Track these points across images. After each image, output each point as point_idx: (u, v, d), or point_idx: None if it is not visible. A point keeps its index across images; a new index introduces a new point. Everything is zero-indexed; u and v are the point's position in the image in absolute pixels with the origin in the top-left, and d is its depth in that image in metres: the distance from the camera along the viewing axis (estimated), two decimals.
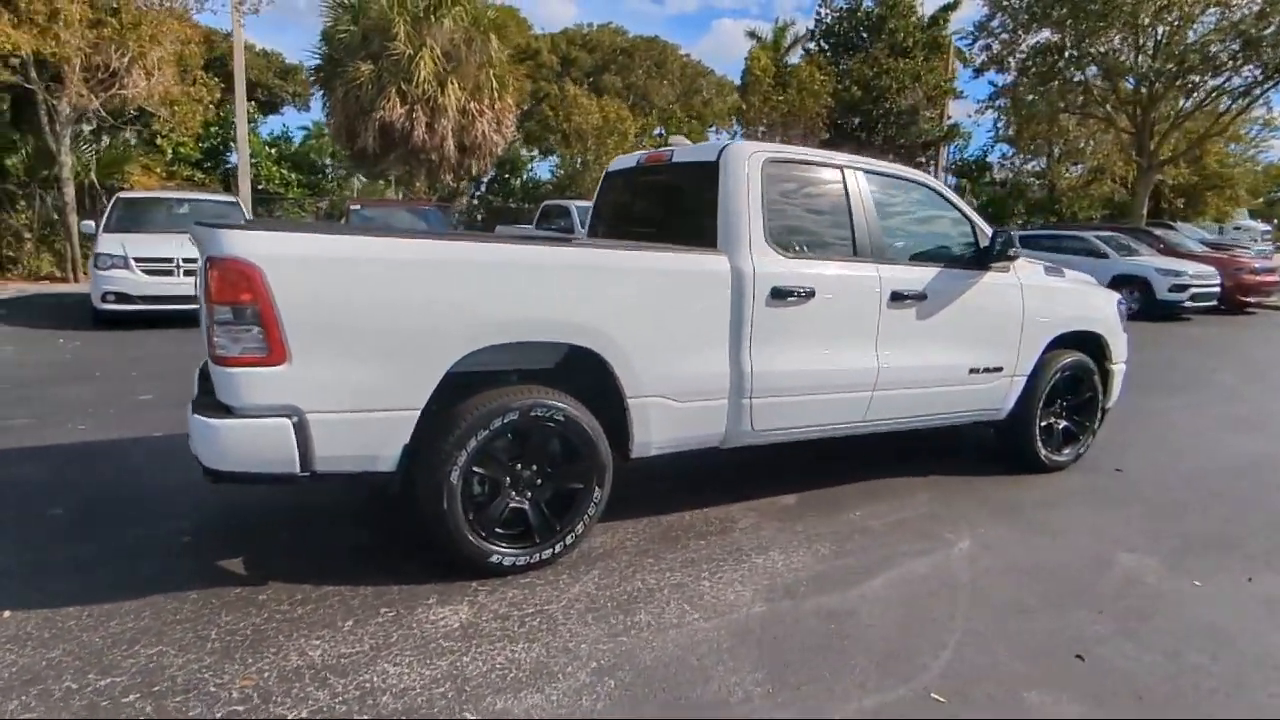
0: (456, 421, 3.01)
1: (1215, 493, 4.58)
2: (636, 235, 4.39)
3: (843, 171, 3.95)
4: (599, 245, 3.59)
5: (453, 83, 18.57)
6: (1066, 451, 4.86)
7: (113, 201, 10.96)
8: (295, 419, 2.72)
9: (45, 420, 5.35)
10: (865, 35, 24.02)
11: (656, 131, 29.79)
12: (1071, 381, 4.79)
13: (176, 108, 16.67)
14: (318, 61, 19.98)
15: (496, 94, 19.53)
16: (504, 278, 3.01)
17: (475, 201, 22.53)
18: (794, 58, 25.74)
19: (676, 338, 3.42)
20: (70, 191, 15.16)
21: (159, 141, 18.48)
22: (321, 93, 20.48)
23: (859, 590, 3.19)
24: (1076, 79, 20.31)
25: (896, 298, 3.96)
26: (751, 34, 26.86)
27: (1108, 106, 20.87)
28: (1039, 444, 4.69)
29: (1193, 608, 3.14)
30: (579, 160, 21.60)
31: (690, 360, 3.45)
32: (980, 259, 4.26)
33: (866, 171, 4.07)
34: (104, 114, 15.36)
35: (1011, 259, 4.23)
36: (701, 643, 2.75)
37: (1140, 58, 19.39)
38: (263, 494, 3.96)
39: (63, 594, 2.92)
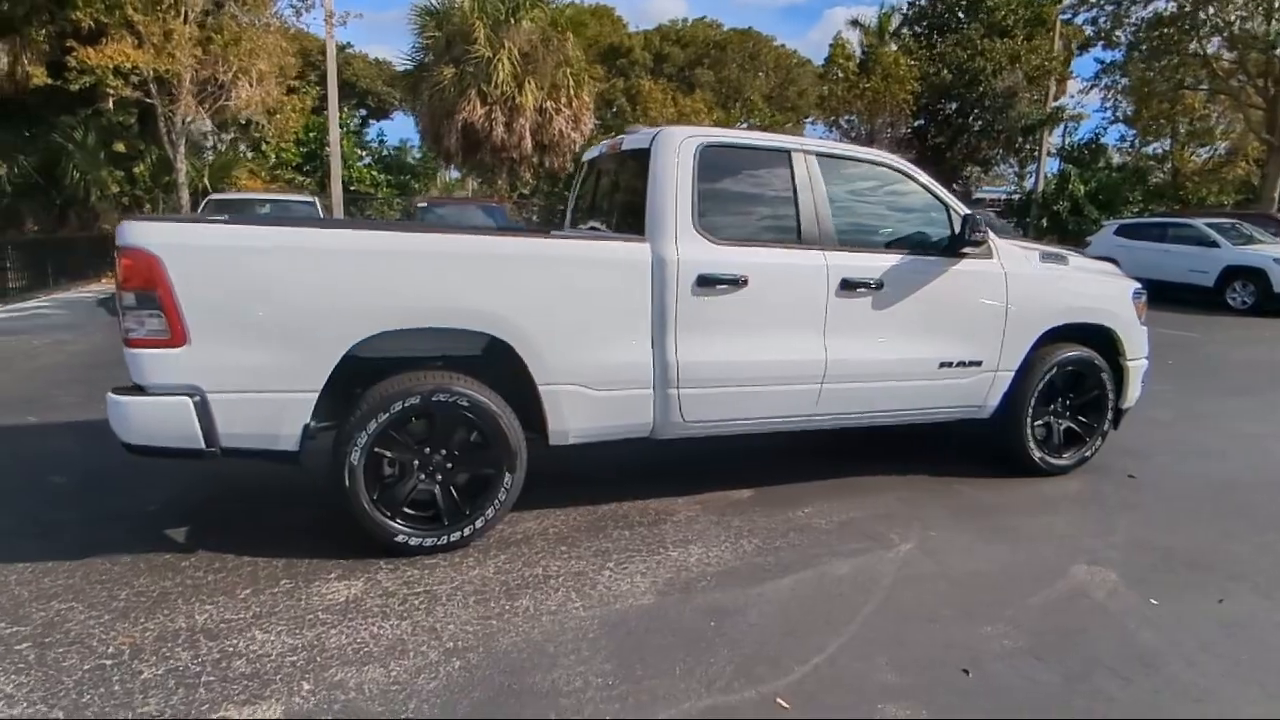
0: (359, 404, 3.13)
1: (1232, 505, 4.08)
2: (600, 223, 4.39)
3: (790, 155, 3.78)
4: (504, 234, 3.61)
5: (530, 82, 19.03)
6: (1068, 454, 4.45)
7: (204, 203, 11.95)
8: (197, 398, 2.90)
9: (93, 399, 5.91)
10: (961, 16, 22.74)
11: (742, 123, 29.32)
12: (1073, 378, 4.39)
13: (277, 115, 18.00)
14: (409, 67, 20.98)
15: (573, 92, 19.86)
16: (397, 266, 3.08)
17: (553, 198, 23.06)
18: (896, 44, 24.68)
19: (591, 326, 3.39)
20: (185, 195, 16.64)
21: (264, 147, 19.95)
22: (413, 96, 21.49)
23: (762, 589, 3.06)
24: (1197, 52, 18.39)
25: (847, 286, 3.75)
26: (854, 22, 25.96)
27: (1233, 81, 18.80)
28: (1031, 445, 4.32)
29: (1132, 628, 2.82)
30: None
31: (608, 349, 3.42)
32: (952, 245, 3.97)
33: (821, 155, 3.87)
34: (210, 124, 16.77)
35: (976, 244, 3.91)
36: (568, 631, 2.73)
37: (1273, 23, 17.34)
38: (246, 470, 4.20)
39: (20, 551, 3.24)
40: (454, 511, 3.30)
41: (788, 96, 39.49)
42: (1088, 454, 4.50)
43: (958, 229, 3.97)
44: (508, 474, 3.34)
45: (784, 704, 2.34)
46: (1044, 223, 22.26)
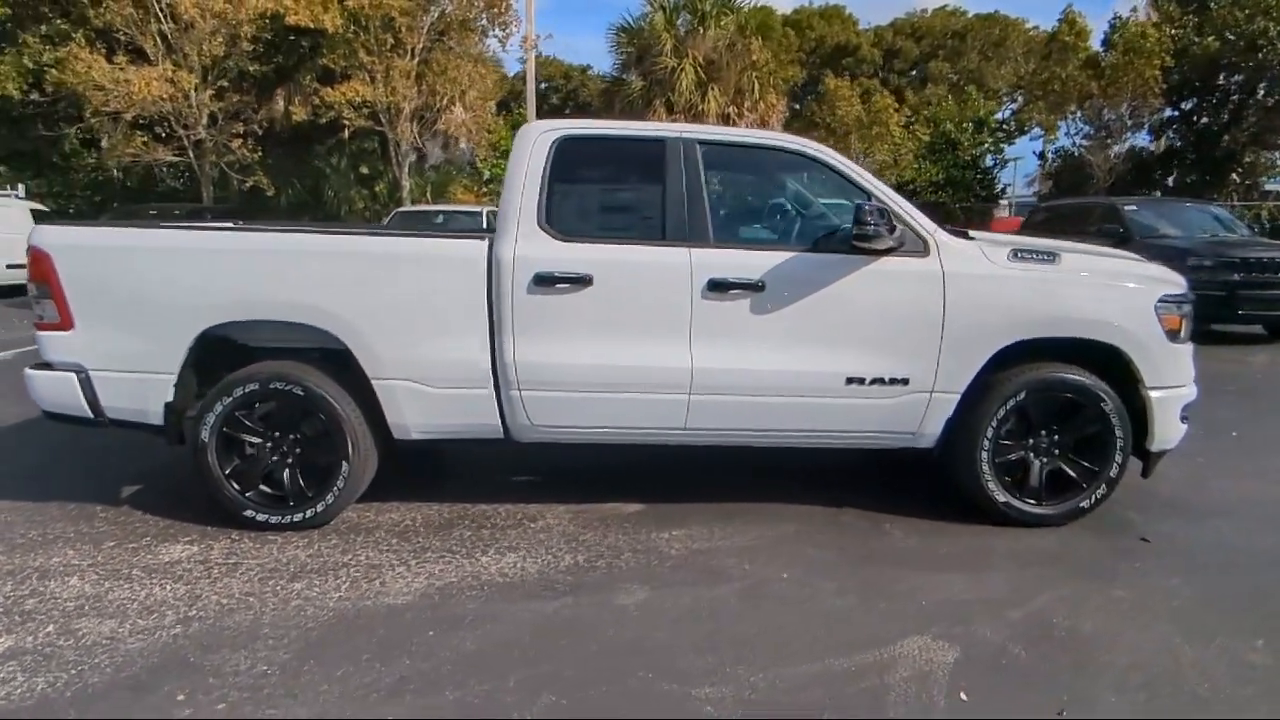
0: (211, 388, 3.46)
1: (1253, 598, 2.96)
2: None
3: (665, 145, 3.46)
4: (336, 231, 3.72)
5: (713, 89, 19.08)
6: (1051, 502, 3.53)
7: (392, 215, 13.66)
8: (81, 374, 3.42)
9: None
10: None
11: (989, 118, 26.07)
12: (1063, 408, 3.48)
13: (488, 134, 20.01)
14: (606, 84, 22.13)
15: (759, 96, 19.54)
16: (232, 262, 3.36)
17: None
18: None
19: (424, 323, 3.40)
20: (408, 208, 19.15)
21: (478, 164, 22.26)
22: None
23: (524, 608, 2.86)
24: None
25: (717, 287, 3.35)
26: None
27: None
28: (990, 486, 3.48)
29: None
30: None
31: (441, 346, 3.41)
32: (850, 241, 3.35)
33: (708, 143, 3.49)
34: (435, 146, 19.13)
35: (866, 240, 3.23)
36: (297, 618, 2.78)
37: None
38: None
39: (13, 490, 4.01)
40: (299, 494, 3.50)
41: (1040, 83, 35.03)
42: (1084, 504, 3.52)
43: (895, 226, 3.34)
44: (344, 463, 3.47)
45: None
46: None
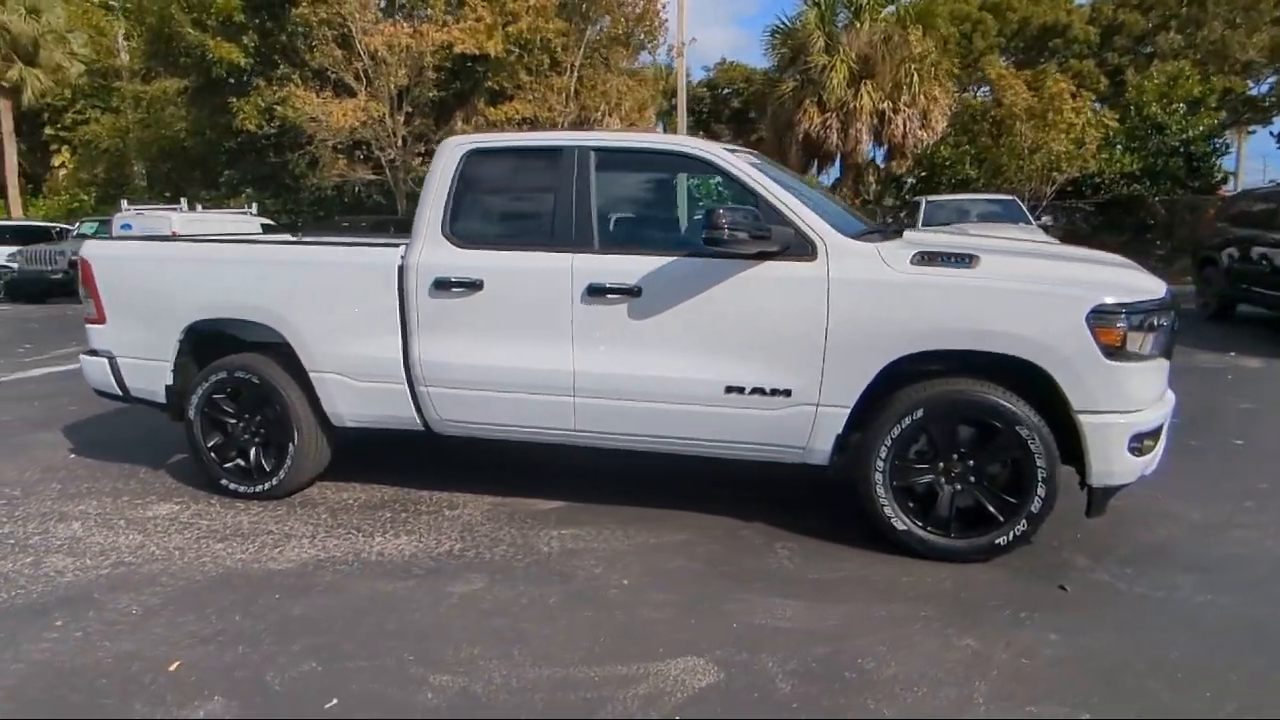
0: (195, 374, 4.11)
1: (1124, 663, 2.45)
2: None
3: (560, 153, 3.55)
4: (279, 241, 4.16)
5: (866, 85, 18.19)
6: (964, 535, 3.14)
7: None
8: (111, 360, 4.21)
9: None
10: None
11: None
12: (974, 430, 3.10)
13: None
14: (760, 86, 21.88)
15: (918, 89, 18.30)
16: (205, 269, 3.97)
17: (897, 203, 21.37)
18: None
19: (346, 322, 3.78)
20: None
21: None
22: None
23: (365, 586, 3.11)
24: None
25: (596, 292, 3.39)
26: None
27: None
28: (885, 511, 3.17)
29: None
30: (1003, 148, 18.31)
31: (361, 344, 3.77)
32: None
33: (602, 150, 3.53)
34: None
35: (719, 244, 3.06)
36: (192, 572, 3.25)
37: None
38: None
39: (97, 449, 4.97)
40: (260, 469, 4.05)
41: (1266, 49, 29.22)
42: (1000, 541, 3.10)
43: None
44: (291, 444, 3.95)
45: (173, 668, 2.56)
46: None
